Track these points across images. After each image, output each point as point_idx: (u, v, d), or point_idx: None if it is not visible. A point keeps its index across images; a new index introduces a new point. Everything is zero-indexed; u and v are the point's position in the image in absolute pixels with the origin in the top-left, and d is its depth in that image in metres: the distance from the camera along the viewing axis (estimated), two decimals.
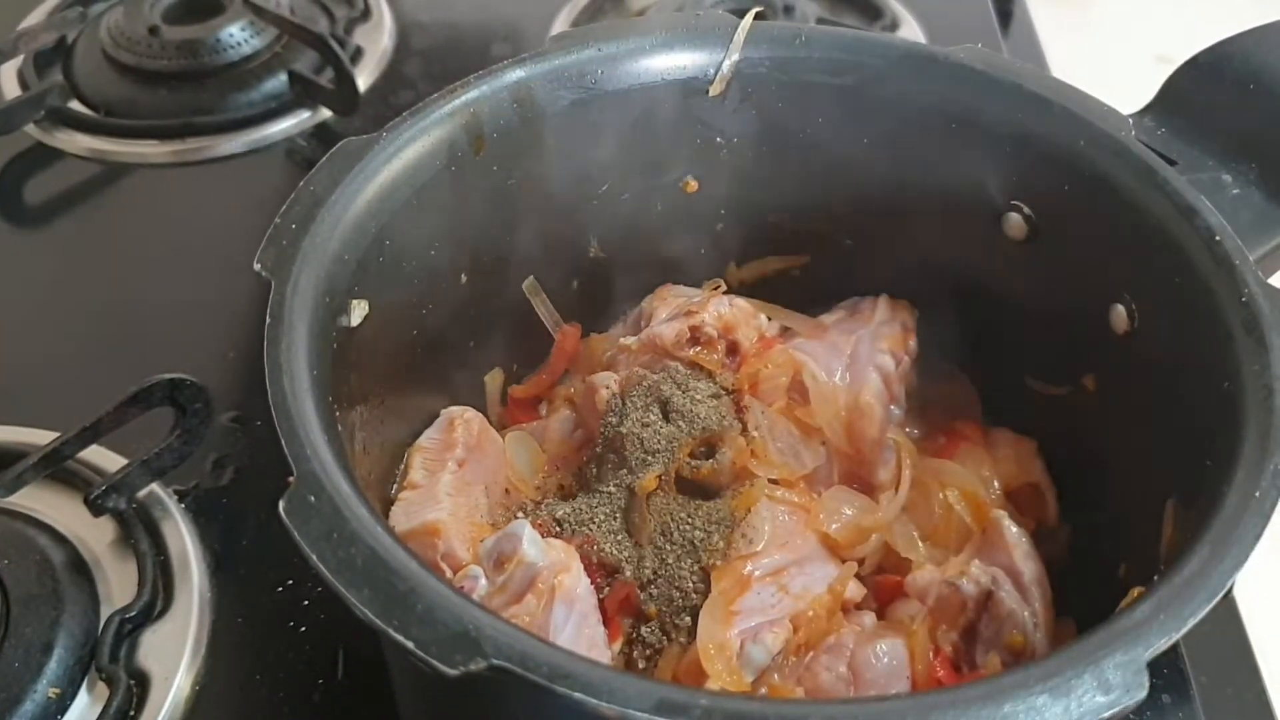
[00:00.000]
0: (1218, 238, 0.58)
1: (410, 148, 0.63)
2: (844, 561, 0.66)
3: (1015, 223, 0.69)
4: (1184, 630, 0.45)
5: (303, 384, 0.52)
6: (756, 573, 0.63)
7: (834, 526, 0.66)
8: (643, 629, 0.62)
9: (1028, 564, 0.63)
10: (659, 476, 0.64)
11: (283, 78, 1.12)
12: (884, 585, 0.67)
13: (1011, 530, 0.64)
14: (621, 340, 0.73)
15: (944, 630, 0.62)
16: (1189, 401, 0.57)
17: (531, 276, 0.74)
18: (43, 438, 0.76)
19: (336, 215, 0.59)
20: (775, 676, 0.59)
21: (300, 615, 0.72)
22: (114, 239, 1.03)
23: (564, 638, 0.57)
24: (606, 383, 0.70)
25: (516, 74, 0.67)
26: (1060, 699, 0.42)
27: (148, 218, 1.04)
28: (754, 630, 0.59)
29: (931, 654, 0.61)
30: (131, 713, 0.66)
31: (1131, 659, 0.43)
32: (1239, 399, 0.53)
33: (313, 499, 0.47)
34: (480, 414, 0.71)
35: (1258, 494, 0.49)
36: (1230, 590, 0.46)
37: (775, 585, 0.62)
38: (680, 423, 0.66)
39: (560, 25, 1.23)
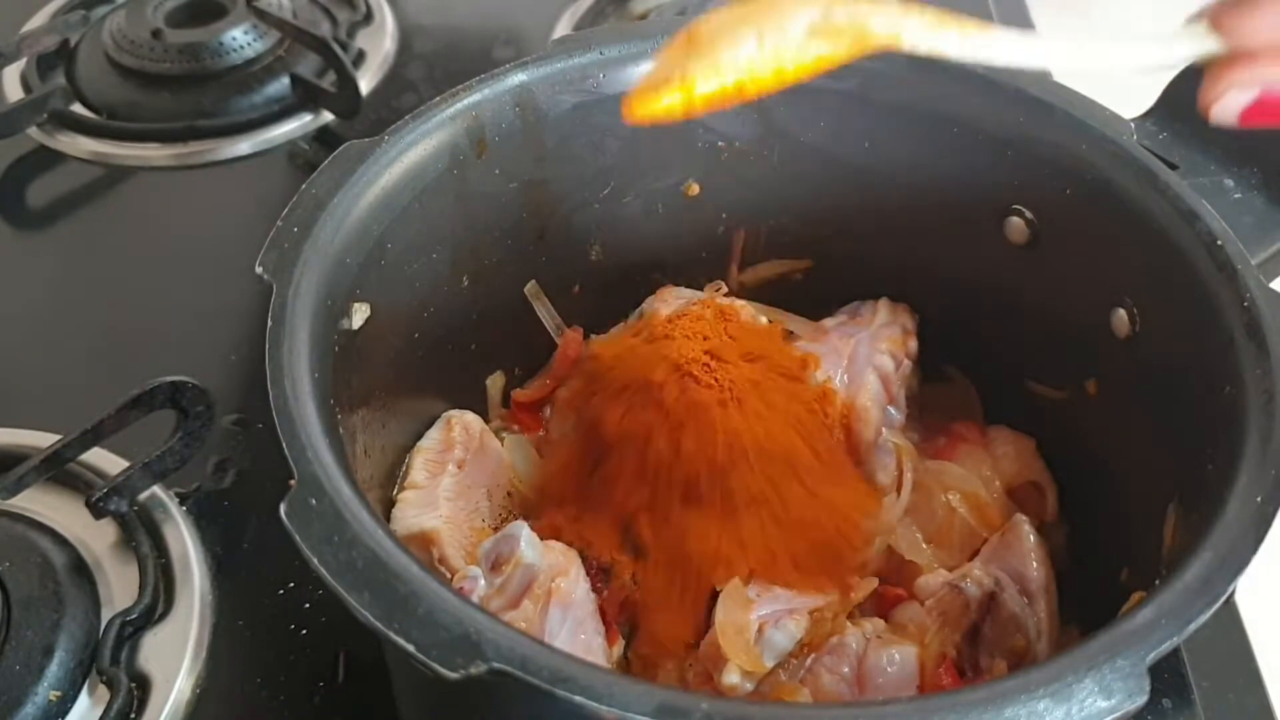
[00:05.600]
0: (1219, 242, 0.58)
1: (412, 151, 0.63)
2: None
3: (1016, 226, 0.69)
4: (1185, 634, 0.45)
5: (304, 387, 0.52)
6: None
7: None
8: (644, 634, 0.62)
9: (1038, 570, 0.63)
10: None
11: (285, 81, 1.13)
12: (886, 596, 0.67)
13: (1030, 537, 0.64)
14: (622, 341, 0.73)
15: (948, 633, 0.62)
16: (1190, 406, 0.57)
17: (533, 280, 0.74)
18: (44, 440, 0.76)
19: (338, 218, 0.59)
20: (781, 675, 0.59)
21: (301, 618, 0.72)
22: (116, 242, 1.03)
23: (559, 642, 0.57)
24: None
25: (519, 77, 0.67)
26: (1061, 703, 0.42)
27: (150, 221, 1.05)
28: (775, 616, 0.59)
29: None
30: (132, 715, 0.66)
31: (1133, 663, 0.43)
32: (1241, 403, 0.53)
33: (314, 502, 0.47)
34: (479, 417, 0.71)
35: (1260, 498, 0.49)
36: (1232, 595, 0.46)
37: None
38: None
39: (562, 29, 1.23)
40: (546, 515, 0.67)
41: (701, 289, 0.77)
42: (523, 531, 0.59)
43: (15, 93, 1.13)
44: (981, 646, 0.62)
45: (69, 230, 1.03)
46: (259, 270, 0.56)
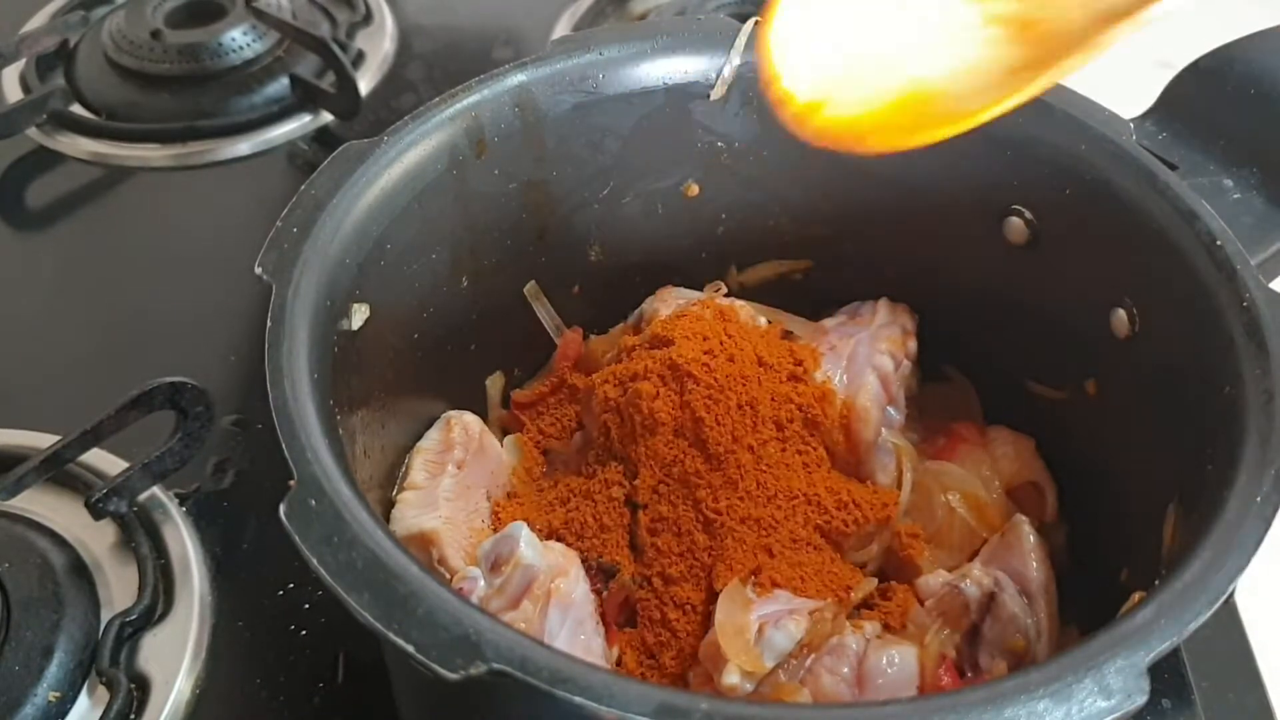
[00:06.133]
0: (1219, 242, 0.58)
1: (412, 151, 0.63)
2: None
3: (1016, 227, 0.69)
4: (1185, 635, 0.45)
5: (304, 387, 0.52)
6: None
7: None
8: (644, 635, 0.62)
9: (1038, 570, 0.63)
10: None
11: (284, 81, 1.13)
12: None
13: (1030, 538, 0.64)
14: (622, 341, 0.73)
15: (948, 633, 0.62)
16: (1190, 406, 0.57)
17: (533, 280, 0.74)
18: (43, 441, 0.76)
19: (338, 219, 0.59)
20: (781, 675, 0.59)
21: (301, 619, 0.72)
22: (115, 242, 1.03)
23: (558, 643, 0.57)
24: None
25: (518, 78, 0.67)
26: (1061, 704, 0.42)
27: (149, 221, 1.05)
28: (775, 616, 0.59)
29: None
30: (132, 716, 0.66)
31: (1132, 663, 0.43)
32: (1240, 403, 0.53)
33: (313, 503, 0.47)
34: (479, 417, 0.71)
35: (1259, 498, 0.49)
36: (1231, 595, 0.46)
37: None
38: None
39: (562, 29, 1.23)
40: (543, 516, 0.67)
41: (701, 289, 0.77)
42: (522, 532, 0.59)
43: (14, 93, 1.13)
44: (981, 647, 0.62)
45: (68, 231, 1.03)
46: (258, 271, 0.56)
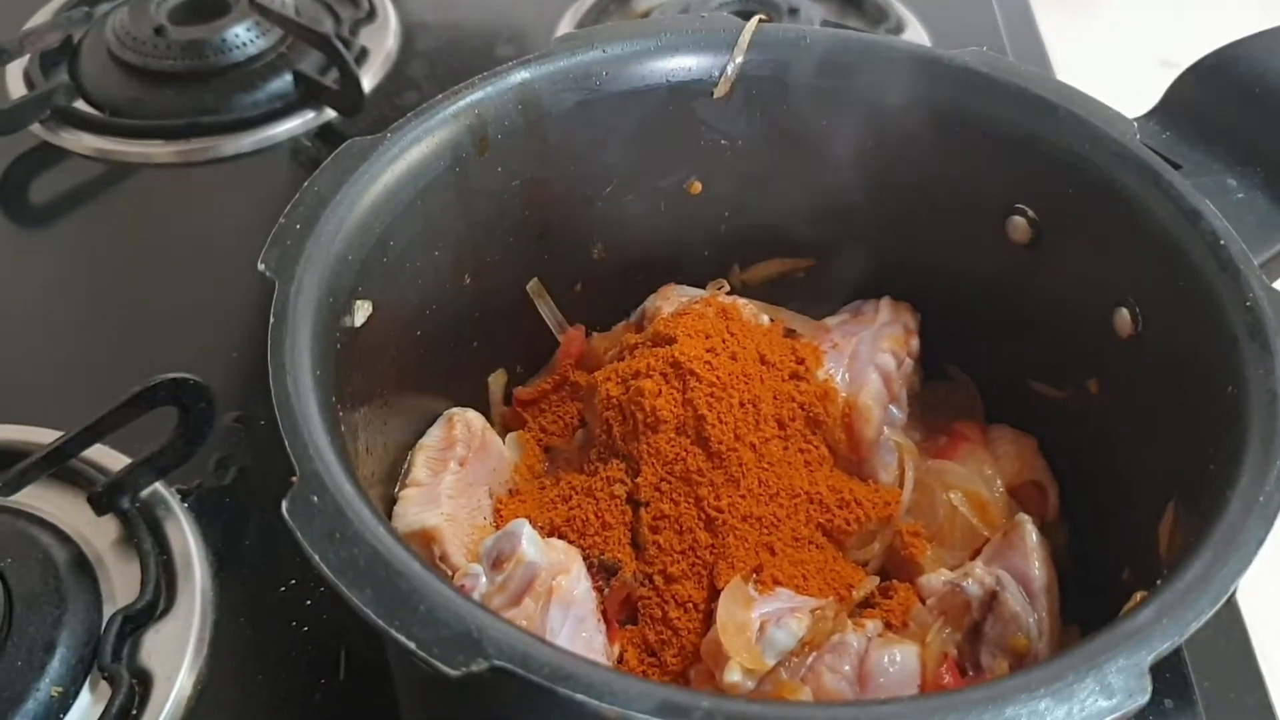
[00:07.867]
0: (1222, 241, 0.58)
1: (415, 148, 0.63)
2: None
3: (1019, 226, 0.69)
4: (1186, 634, 0.45)
5: (306, 384, 0.52)
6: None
7: None
8: (646, 632, 0.62)
9: (1040, 569, 0.63)
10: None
11: (288, 78, 1.13)
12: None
13: (1032, 537, 0.64)
14: (625, 338, 0.73)
15: (949, 632, 0.62)
16: (1193, 405, 0.57)
17: (535, 278, 0.74)
18: (46, 436, 0.76)
19: (341, 216, 0.59)
20: (783, 673, 0.59)
21: (302, 615, 0.72)
22: (118, 238, 1.03)
23: (560, 640, 0.57)
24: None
25: (521, 75, 0.67)
26: (1063, 703, 0.42)
27: (152, 217, 1.05)
28: (776, 614, 0.59)
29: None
30: (133, 712, 0.67)
31: (1134, 663, 0.43)
32: (1243, 403, 0.53)
33: (315, 499, 0.47)
34: (481, 415, 0.71)
35: (1261, 498, 0.49)
36: (1233, 594, 0.46)
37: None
38: None
39: (565, 27, 1.23)
40: (545, 513, 0.67)
41: (703, 287, 0.77)
42: (524, 529, 0.59)
43: (18, 89, 1.13)
44: (983, 646, 0.62)
45: (71, 227, 1.03)
46: (261, 267, 0.56)
